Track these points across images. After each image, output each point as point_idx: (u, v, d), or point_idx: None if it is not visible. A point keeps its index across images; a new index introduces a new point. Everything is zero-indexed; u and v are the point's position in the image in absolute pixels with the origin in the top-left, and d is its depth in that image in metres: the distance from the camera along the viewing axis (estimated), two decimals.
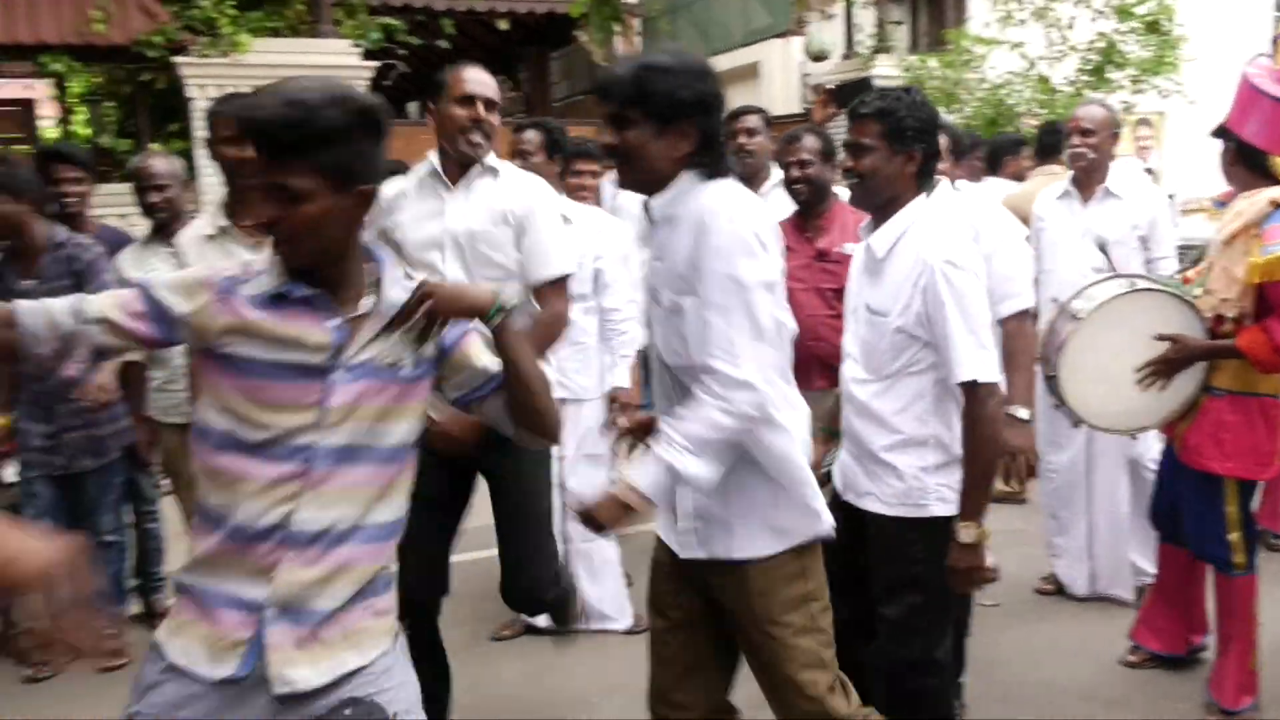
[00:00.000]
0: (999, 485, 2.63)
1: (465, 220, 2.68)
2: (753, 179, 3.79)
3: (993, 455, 2.18)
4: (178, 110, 6.87)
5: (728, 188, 1.97)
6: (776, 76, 11.36)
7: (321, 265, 1.60)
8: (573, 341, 3.54)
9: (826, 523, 2.01)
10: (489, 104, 2.72)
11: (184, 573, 1.63)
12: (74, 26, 6.47)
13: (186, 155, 6.52)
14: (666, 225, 2.07)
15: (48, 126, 7.54)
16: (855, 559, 2.32)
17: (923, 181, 2.25)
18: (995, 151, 5.42)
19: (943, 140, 2.55)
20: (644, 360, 3.13)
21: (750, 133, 3.76)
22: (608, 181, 3.86)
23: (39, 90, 8.03)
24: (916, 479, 2.21)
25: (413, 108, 13.02)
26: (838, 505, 2.32)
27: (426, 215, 2.74)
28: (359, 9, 7.24)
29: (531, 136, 3.61)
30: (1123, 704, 3.08)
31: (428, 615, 2.75)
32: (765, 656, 2.02)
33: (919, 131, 2.19)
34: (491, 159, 2.77)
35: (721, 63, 12.94)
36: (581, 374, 3.66)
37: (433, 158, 2.76)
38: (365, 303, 1.61)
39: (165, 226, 3.45)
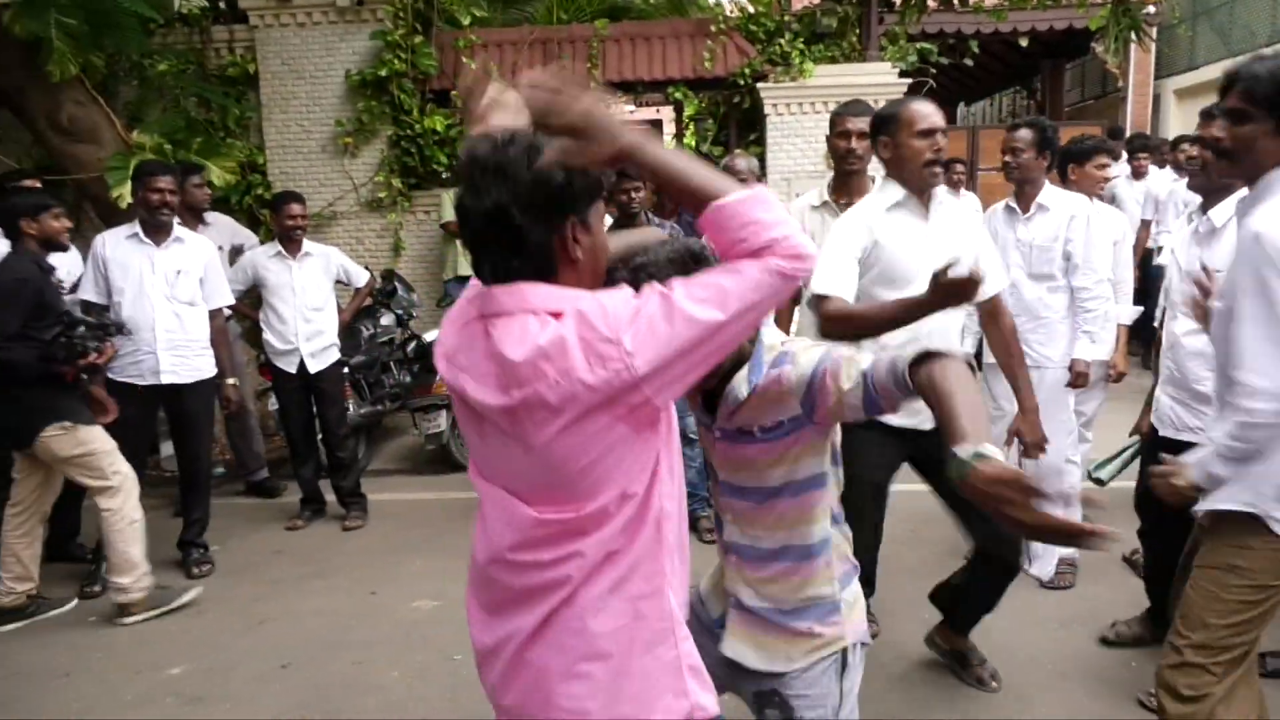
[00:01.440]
0: None
1: (944, 244, 2.64)
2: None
3: None
4: (756, 124, 8.00)
5: None
6: None
7: None
8: (1036, 316, 3.65)
9: None
10: (944, 133, 2.69)
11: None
12: (691, 65, 7.74)
13: (760, 157, 7.80)
14: (1232, 224, 2.07)
15: (668, 139, 9.32)
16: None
17: None
18: None
19: None
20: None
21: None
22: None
23: (665, 114, 9.90)
24: None
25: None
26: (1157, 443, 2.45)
27: (907, 239, 2.70)
28: (900, 36, 7.89)
29: (1025, 135, 3.61)
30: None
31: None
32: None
33: None
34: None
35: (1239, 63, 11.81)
36: (1046, 345, 3.66)
37: (893, 187, 2.73)
38: None
39: None
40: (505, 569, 1.44)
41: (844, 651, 1.83)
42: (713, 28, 7.82)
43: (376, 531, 4.89)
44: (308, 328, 4.91)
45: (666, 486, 1.43)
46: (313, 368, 4.92)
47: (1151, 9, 8.12)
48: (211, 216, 5.55)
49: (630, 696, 1.40)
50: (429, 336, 6.00)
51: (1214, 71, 12.67)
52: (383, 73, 7.52)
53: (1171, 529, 2.59)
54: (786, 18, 7.98)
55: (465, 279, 6.93)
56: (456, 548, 4.59)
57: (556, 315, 1.31)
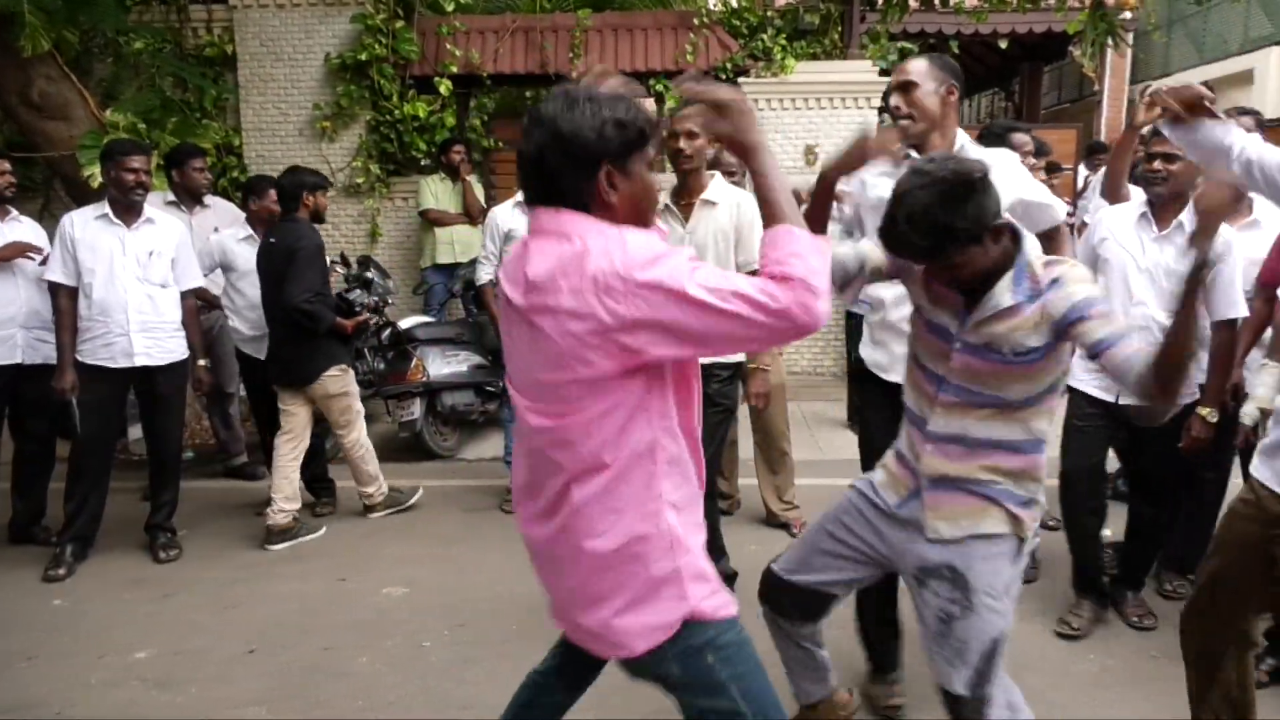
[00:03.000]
0: None
1: None
2: None
3: None
4: None
5: None
6: (1272, 83, 10.35)
7: None
8: None
9: None
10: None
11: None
12: (674, 57, 7.72)
13: None
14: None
15: None
16: None
17: None
18: None
19: None
20: None
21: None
22: None
23: (646, 105, 9.97)
24: None
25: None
26: None
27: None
28: (882, 35, 7.93)
29: (1024, 140, 3.78)
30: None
31: None
32: None
33: None
34: None
35: (1212, 71, 12.01)
36: None
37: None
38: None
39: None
40: (526, 470, 1.71)
41: (1021, 542, 2.05)
42: (696, 21, 7.81)
43: (348, 518, 4.87)
44: (260, 316, 4.79)
45: (663, 419, 1.58)
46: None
47: (1128, 14, 8.21)
48: (211, 200, 5.50)
49: (628, 601, 1.61)
50: (405, 324, 5.98)
51: (1187, 78, 12.84)
52: (363, 57, 7.46)
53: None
54: (769, 13, 8.00)
55: (442, 267, 6.98)
56: (428, 535, 4.60)
57: (583, 240, 1.51)
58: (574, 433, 1.57)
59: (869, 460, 2.21)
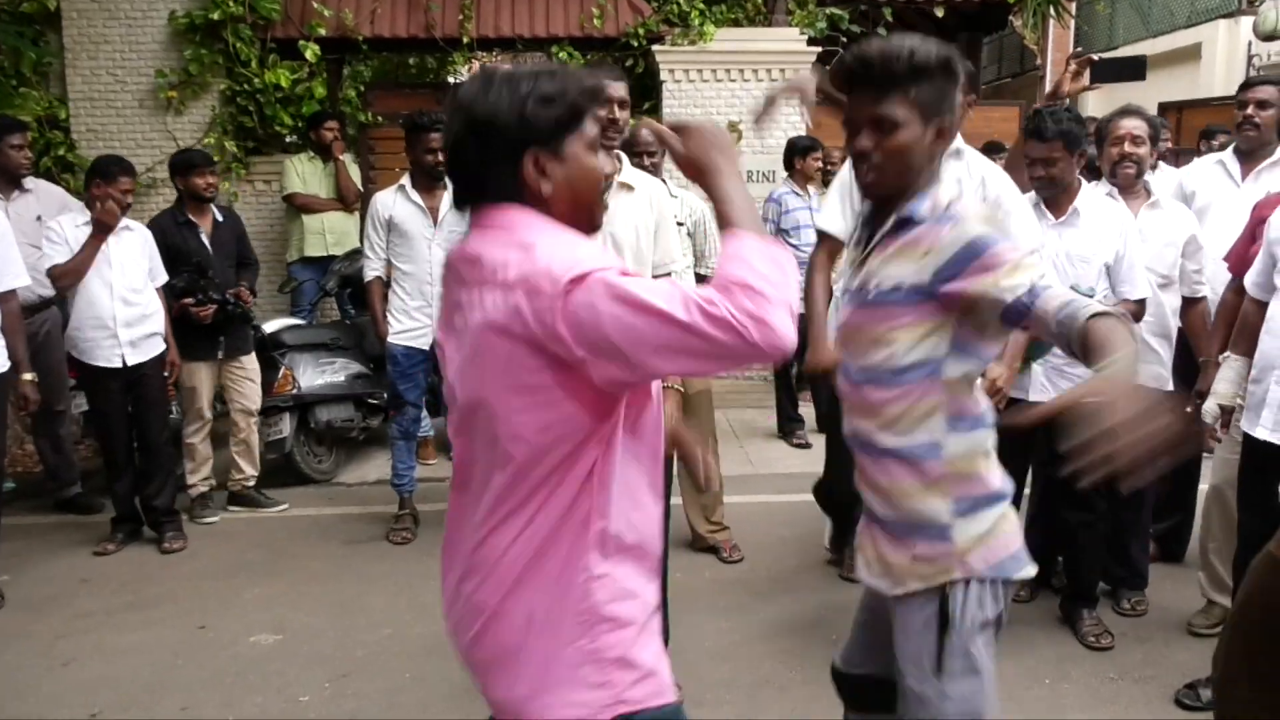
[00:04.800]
0: None
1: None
2: (1254, 154, 4.22)
3: None
4: (651, 90, 8.03)
5: None
6: (1219, 57, 10.98)
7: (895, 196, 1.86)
8: None
9: None
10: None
11: None
12: (579, 21, 7.72)
13: None
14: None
15: None
16: None
17: None
18: None
19: None
20: None
21: (1262, 105, 4.19)
22: None
23: None
24: None
25: None
26: None
27: None
28: (809, 1, 8.23)
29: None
30: None
31: None
32: None
33: None
34: None
35: (1159, 45, 12.67)
36: None
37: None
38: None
39: None
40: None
41: (944, 596, 1.86)
42: None
43: (205, 554, 4.74)
44: (128, 311, 4.70)
45: (603, 483, 1.54)
46: (132, 359, 4.71)
47: None
48: (32, 183, 5.28)
49: (528, 677, 1.56)
50: (269, 327, 5.84)
51: (1133, 51, 13.49)
52: (215, 16, 7.25)
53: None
54: None
55: (313, 260, 6.84)
56: (301, 571, 4.50)
57: (516, 239, 1.48)
58: (499, 462, 1.56)
59: (836, 475, 2.06)
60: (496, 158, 1.51)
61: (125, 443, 4.83)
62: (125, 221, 4.78)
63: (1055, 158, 3.47)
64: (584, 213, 1.59)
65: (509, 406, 1.49)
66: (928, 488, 1.87)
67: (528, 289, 1.42)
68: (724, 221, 1.51)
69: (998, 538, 1.89)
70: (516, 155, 1.50)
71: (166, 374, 4.88)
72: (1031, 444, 3.71)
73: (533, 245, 1.46)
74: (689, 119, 1.62)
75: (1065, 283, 3.37)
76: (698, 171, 1.58)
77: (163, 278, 4.94)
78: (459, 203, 1.61)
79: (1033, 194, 3.65)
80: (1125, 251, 3.54)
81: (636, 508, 1.60)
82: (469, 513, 1.63)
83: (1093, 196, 3.68)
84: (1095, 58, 3.74)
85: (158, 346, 4.85)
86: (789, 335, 1.34)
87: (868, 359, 1.88)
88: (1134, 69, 3.95)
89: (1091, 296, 3.21)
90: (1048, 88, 14.05)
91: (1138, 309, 3.55)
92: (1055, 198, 3.59)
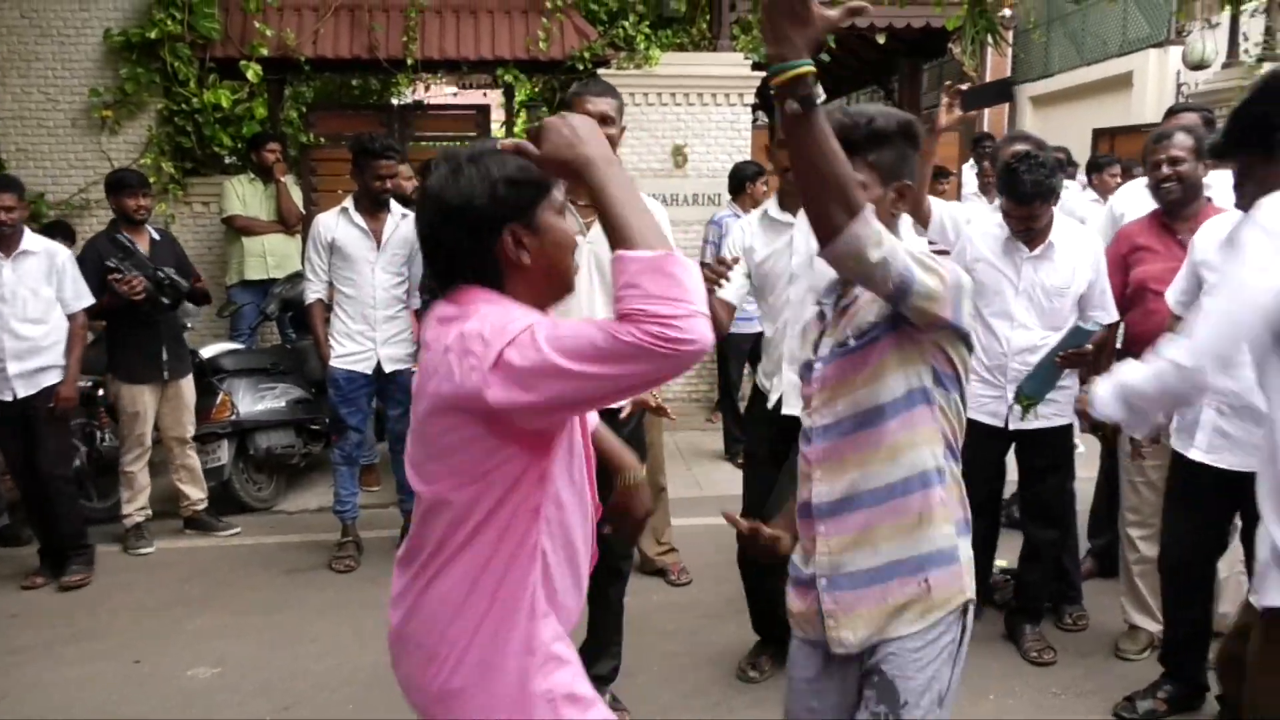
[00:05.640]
0: None
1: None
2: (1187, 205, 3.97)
3: None
4: None
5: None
6: (1150, 86, 11.35)
7: None
8: None
9: None
10: None
11: None
12: (524, 44, 7.75)
13: None
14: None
15: (497, 128, 9.31)
16: None
17: None
18: None
19: None
20: None
21: (1175, 161, 3.63)
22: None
23: (493, 98, 9.87)
24: None
25: None
26: None
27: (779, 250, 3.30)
28: (753, 26, 8.21)
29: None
30: None
31: None
32: None
33: None
34: None
35: (1093, 73, 13.05)
36: None
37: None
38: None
39: None
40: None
41: (944, 616, 1.89)
42: (548, 4, 7.89)
43: (141, 586, 4.63)
44: (17, 345, 4.51)
45: (545, 518, 1.61)
46: (23, 392, 4.54)
47: (1007, 12, 8.80)
48: None
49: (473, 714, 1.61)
50: (207, 352, 5.75)
51: (1068, 79, 13.89)
52: (152, 34, 7.17)
53: None
54: None
55: (253, 284, 6.75)
56: (241, 602, 4.43)
57: (468, 311, 1.55)
58: (440, 508, 1.64)
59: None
60: (476, 238, 1.58)
61: (27, 477, 4.68)
62: (25, 244, 4.59)
63: (1036, 214, 3.52)
64: (560, 275, 1.66)
65: (445, 453, 1.57)
66: (936, 513, 1.89)
67: (460, 351, 1.49)
68: (611, 235, 1.48)
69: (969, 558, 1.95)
70: (496, 233, 1.57)
71: (51, 404, 4.60)
72: (1003, 467, 3.83)
73: (475, 314, 1.53)
74: (547, 119, 1.56)
75: (1041, 315, 3.55)
76: (568, 172, 1.54)
77: (85, 301, 4.74)
78: (441, 285, 1.65)
79: (998, 222, 3.70)
80: (1097, 279, 3.60)
81: (569, 545, 1.68)
82: (415, 555, 1.68)
83: (1065, 225, 3.69)
84: (964, 88, 3.85)
85: (55, 378, 4.64)
86: (703, 336, 1.39)
87: (859, 405, 1.89)
88: (1001, 93, 4.12)
89: (1095, 331, 3.30)
90: (986, 113, 14.41)
91: (1107, 334, 3.61)
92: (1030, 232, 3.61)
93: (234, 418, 5.48)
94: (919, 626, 1.87)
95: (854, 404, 1.89)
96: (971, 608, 1.93)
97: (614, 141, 3.16)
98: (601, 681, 3.32)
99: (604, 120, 3.05)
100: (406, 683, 1.71)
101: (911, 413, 1.86)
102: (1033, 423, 3.56)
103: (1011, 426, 3.65)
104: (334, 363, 4.76)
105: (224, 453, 5.46)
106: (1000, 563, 4.24)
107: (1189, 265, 3.26)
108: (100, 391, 5.28)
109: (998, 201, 3.74)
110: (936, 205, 3.93)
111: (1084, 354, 3.32)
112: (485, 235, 1.57)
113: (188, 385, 5.21)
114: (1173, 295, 3.28)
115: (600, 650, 3.33)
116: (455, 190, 1.56)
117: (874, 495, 1.88)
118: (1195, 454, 3.14)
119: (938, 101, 3.89)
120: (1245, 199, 2.40)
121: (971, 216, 4.01)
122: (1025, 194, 3.47)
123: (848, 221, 1.65)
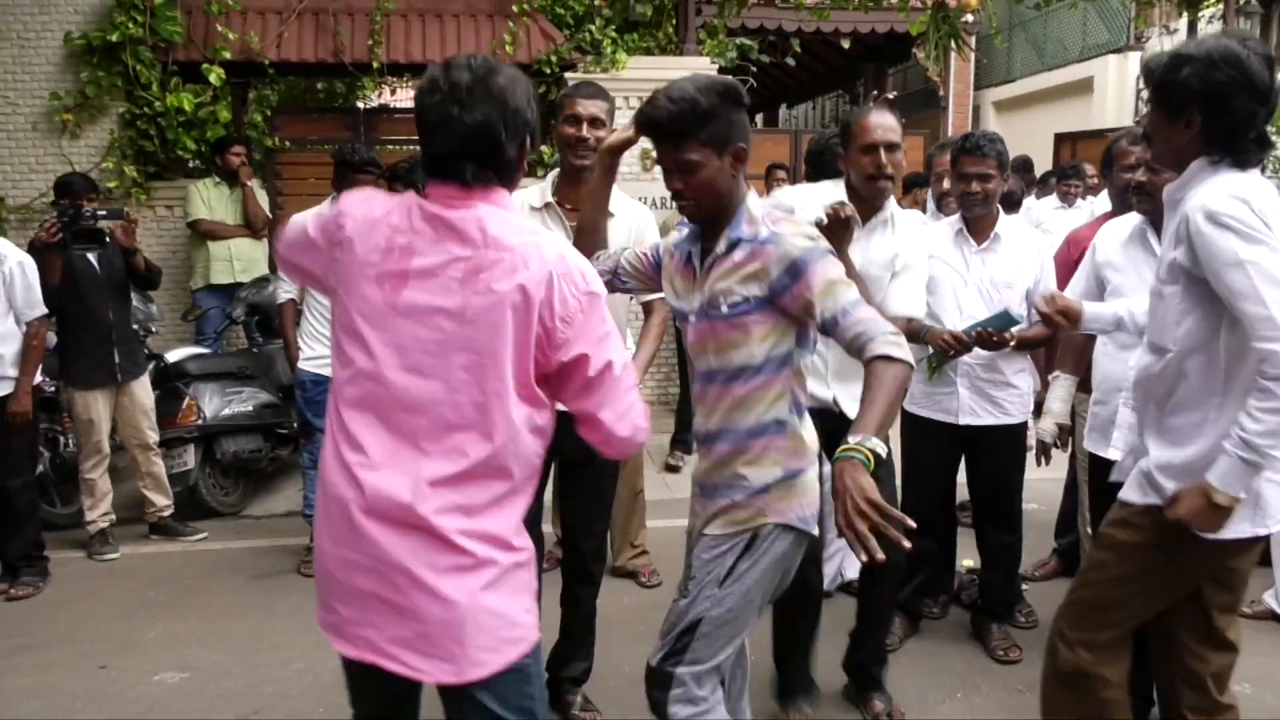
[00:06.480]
0: None
1: (860, 262, 3.00)
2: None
3: None
4: None
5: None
6: (1110, 91, 11.53)
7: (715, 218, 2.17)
8: None
9: None
10: (890, 147, 3.02)
11: None
12: (490, 48, 7.74)
13: None
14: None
15: None
16: None
17: None
18: None
19: None
20: None
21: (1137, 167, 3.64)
22: None
23: None
24: None
25: (758, 118, 14.29)
26: None
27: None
28: (719, 30, 8.28)
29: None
30: None
31: None
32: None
33: None
34: (892, 206, 3.15)
35: (1054, 78, 13.24)
36: None
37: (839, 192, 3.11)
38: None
39: None
40: None
41: (753, 535, 2.23)
42: (514, 8, 7.90)
43: (104, 593, 4.58)
44: None
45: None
46: None
47: (970, 17, 8.92)
48: None
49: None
50: (173, 356, 5.70)
51: (1030, 84, 14.08)
52: (114, 37, 7.12)
53: None
54: (597, 2, 8.19)
55: (217, 288, 6.70)
56: (207, 608, 4.39)
57: (530, 226, 1.87)
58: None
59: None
60: (518, 141, 1.80)
61: None
62: None
63: (990, 174, 3.57)
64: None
65: (506, 365, 1.77)
66: (769, 456, 2.22)
67: (563, 271, 1.76)
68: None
69: (803, 498, 2.26)
70: (528, 140, 1.82)
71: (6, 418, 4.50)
72: (955, 464, 3.86)
73: (560, 257, 1.79)
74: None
75: (990, 308, 3.56)
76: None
77: (38, 310, 4.59)
78: (472, 173, 1.78)
79: (955, 219, 3.77)
80: (1043, 275, 3.67)
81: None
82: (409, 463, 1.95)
83: (1012, 222, 3.80)
84: (891, 95, 3.96)
85: (7, 389, 4.53)
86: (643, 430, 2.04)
87: (729, 361, 2.19)
88: (928, 101, 4.29)
89: (1019, 323, 3.40)
90: (950, 118, 14.56)
91: (1047, 333, 3.63)
92: (978, 222, 3.68)
93: (200, 422, 5.43)
94: (724, 531, 2.25)
95: (725, 361, 2.20)
96: (776, 530, 2.23)
97: (598, 141, 3.07)
98: (573, 683, 3.33)
99: (594, 123, 3.05)
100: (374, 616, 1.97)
101: (771, 376, 2.18)
102: (982, 419, 3.65)
103: (962, 422, 3.69)
104: (302, 365, 4.73)
105: (190, 457, 5.41)
106: (966, 562, 4.29)
107: (1089, 266, 3.31)
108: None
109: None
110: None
111: (1002, 340, 3.43)
112: (523, 140, 1.80)
113: (141, 387, 5.12)
114: (1071, 296, 3.25)
115: (572, 652, 3.34)
116: (515, 94, 1.76)
117: (734, 435, 2.22)
118: (1113, 453, 3.14)
119: (904, 106, 3.96)
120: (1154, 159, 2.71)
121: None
122: (983, 148, 3.56)
123: None
